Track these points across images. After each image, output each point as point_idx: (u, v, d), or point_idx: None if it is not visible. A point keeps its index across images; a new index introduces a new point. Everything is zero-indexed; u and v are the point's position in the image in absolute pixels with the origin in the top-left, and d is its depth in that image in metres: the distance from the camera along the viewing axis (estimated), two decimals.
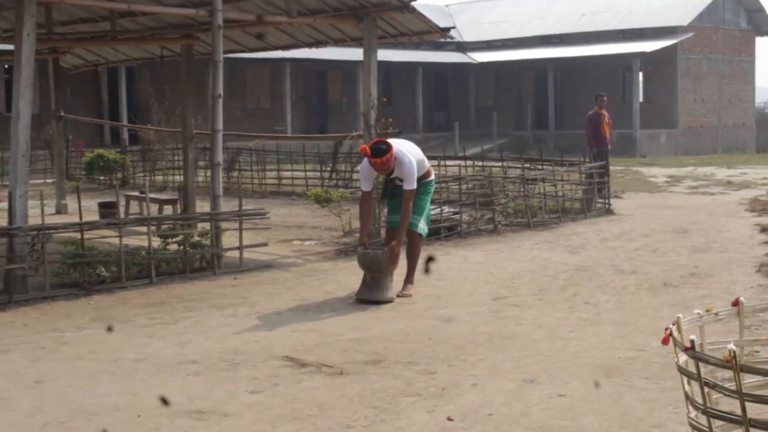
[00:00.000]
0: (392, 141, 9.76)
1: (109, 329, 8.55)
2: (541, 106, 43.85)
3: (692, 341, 4.43)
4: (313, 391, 6.55)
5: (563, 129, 41.64)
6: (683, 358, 4.46)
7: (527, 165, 18.67)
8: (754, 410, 4.50)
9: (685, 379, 4.47)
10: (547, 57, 42.47)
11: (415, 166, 9.59)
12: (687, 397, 4.49)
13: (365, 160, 9.70)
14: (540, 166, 18.13)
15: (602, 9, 44.71)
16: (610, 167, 19.14)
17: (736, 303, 5.20)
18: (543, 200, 15.78)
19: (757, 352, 5.95)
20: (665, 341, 4.63)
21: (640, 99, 40.81)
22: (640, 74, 41.11)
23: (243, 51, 17.66)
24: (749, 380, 4.75)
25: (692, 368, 4.43)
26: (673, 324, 4.66)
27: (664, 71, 41.44)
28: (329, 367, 7.11)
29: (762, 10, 45.38)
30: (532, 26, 46.18)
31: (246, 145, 24.72)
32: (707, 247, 12.82)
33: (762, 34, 46.48)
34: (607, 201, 17.38)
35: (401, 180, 9.69)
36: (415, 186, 9.58)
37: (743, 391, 4.41)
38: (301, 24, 14.55)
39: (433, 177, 10.31)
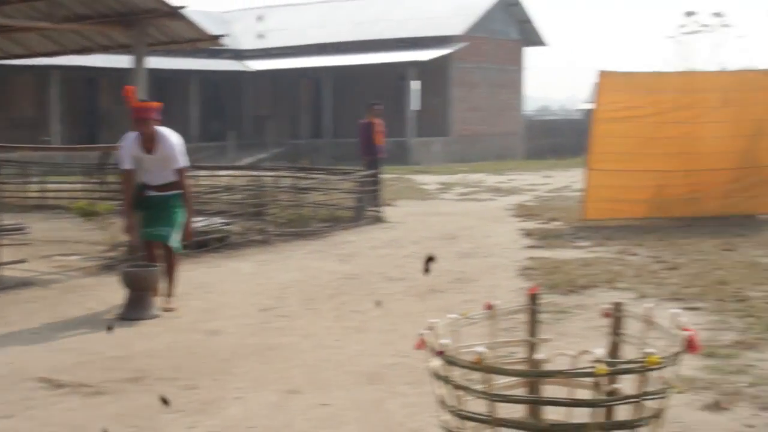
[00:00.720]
0: None
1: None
2: (318, 115, 44.06)
3: (444, 345, 4.48)
4: (69, 412, 6.29)
5: (339, 137, 41.91)
6: (436, 362, 4.51)
7: (300, 174, 18.68)
8: (510, 409, 4.60)
9: (440, 383, 4.53)
10: (324, 65, 42.72)
11: (181, 148, 9.48)
12: (439, 400, 4.54)
13: (126, 136, 9.49)
14: (313, 175, 18.18)
15: (379, 18, 45.36)
16: (383, 175, 19.39)
17: (489, 307, 5.33)
18: (315, 209, 15.80)
19: (515, 353, 6.09)
20: (419, 346, 4.68)
21: (416, 107, 41.63)
22: (416, 83, 41.95)
23: (5, 58, 16.92)
24: (504, 381, 4.85)
25: (445, 372, 4.49)
26: (429, 329, 4.71)
27: (438, 80, 42.40)
28: (87, 386, 6.84)
29: (531, 21, 47.18)
30: (310, 34, 46.37)
31: (10, 156, 23.62)
32: (474, 253, 13.15)
33: (531, 44, 48.30)
34: (378, 209, 17.58)
35: (157, 189, 9.51)
36: (187, 162, 9.54)
37: (495, 391, 4.50)
38: (67, 30, 14.07)
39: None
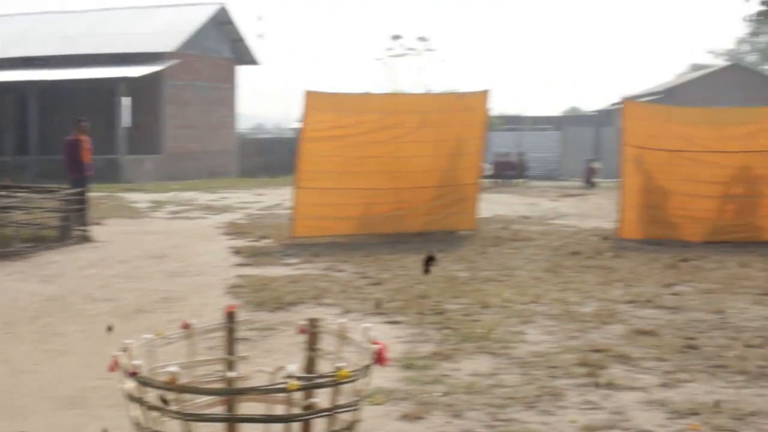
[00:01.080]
0: None
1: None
2: (24, 131, 42.34)
3: (137, 366, 4.46)
4: None
5: (47, 154, 40.38)
6: (130, 383, 4.48)
7: (1, 192, 17.89)
8: (211, 428, 4.62)
9: (135, 405, 4.49)
10: (29, 80, 41.10)
11: None
12: (134, 422, 4.51)
13: None
14: (15, 194, 17.46)
15: (87, 32, 44.16)
16: (91, 193, 18.89)
17: (186, 326, 5.34)
18: (18, 229, 15.22)
19: (219, 371, 6.13)
20: (112, 368, 4.62)
21: (127, 124, 40.79)
22: (126, 99, 41.11)
23: None
24: (204, 399, 4.87)
25: (139, 393, 4.46)
26: (123, 350, 4.66)
27: (150, 97, 41.76)
28: None
29: (243, 40, 47.42)
30: (14, 48, 44.47)
31: None
32: (183, 272, 13.06)
33: (244, 62, 48.52)
34: (86, 228, 17.09)
35: None
36: None
37: (194, 410, 4.52)
38: None
39: None
